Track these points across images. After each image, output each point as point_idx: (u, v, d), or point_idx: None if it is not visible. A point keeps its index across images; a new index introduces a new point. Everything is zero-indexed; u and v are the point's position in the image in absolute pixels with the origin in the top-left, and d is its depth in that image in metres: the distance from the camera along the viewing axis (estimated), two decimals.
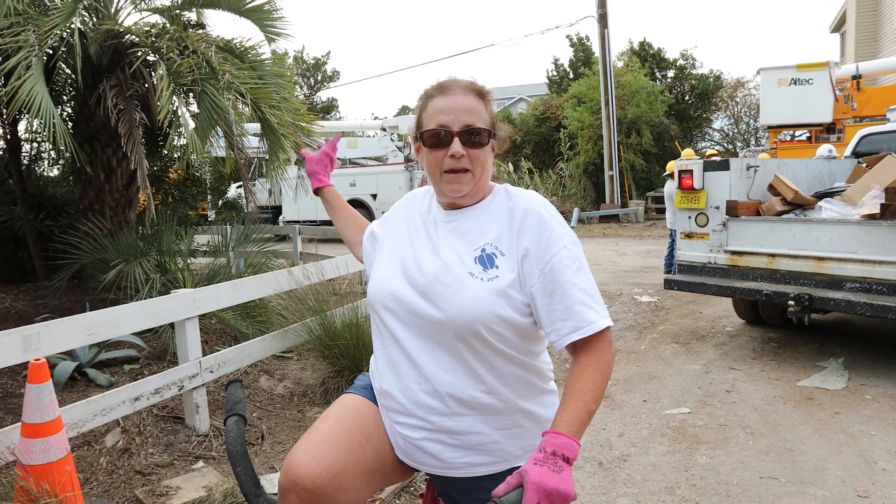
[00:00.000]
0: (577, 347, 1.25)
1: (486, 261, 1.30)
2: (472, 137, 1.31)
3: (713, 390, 4.38)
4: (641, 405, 4.16)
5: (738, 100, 23.58)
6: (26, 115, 5.38)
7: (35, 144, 7.78)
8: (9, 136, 6.82)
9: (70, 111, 6.68)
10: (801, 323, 4.74)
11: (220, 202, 13.69)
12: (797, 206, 5.21)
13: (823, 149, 8.23)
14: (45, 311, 5.40)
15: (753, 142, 23.39)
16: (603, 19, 17.81)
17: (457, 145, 1.29)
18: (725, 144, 24.50)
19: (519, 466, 1.16)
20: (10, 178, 7.21)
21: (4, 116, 6.57)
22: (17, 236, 6.74)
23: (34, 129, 6.70)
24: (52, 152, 8.05)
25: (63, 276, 5.58)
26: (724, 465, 3.24)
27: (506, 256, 1.30)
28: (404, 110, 38.21)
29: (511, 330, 1.29)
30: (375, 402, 1.44)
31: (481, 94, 1.35)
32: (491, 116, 1.36)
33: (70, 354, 4.22)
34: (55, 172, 8.82)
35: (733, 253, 5.15)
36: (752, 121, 23.48)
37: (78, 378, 4.15)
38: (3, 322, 5.20)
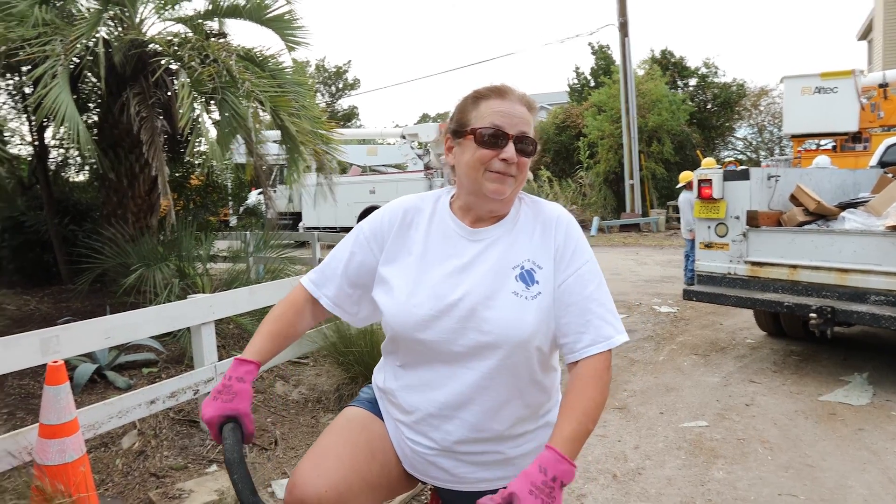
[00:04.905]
0: (579, 363, 1.24)
1: (528, 277, 1.29)
2: (525, 146, 1.29)
3: (732, 403, 4.30)
4: (658, 417, 4.10)
5: (762, 108, 23.28)
6: (52, 123, 5.50)
7: (62, 151, 7.95)
8: (37, 143, 6.98)
9: (96, 118, 6.82)
10: (824, 336, 4.64)
11: (241, 208, 13.85)
12: (820, 216, 5.11)
13: (821, 160, 8.14)
14: (68, 313, 5.49)
15: (777, 151, 23.06)
16: (623, 28, 17.73)
17: (510, 150, 1.26)
18: (749, 153, 24.17)
19: None
20: (37, 183, 7.36)
21: (33, 123, 6.73)
22: (42, 240, 6.87)
23: (60, 135, 6.85)
24: (79, 158, 8.23)
25: (85, 279, 5.67)
26: (741, 481, 3.17)
27: (544, 270, 1.29)
28: (424, 118, 38.39)
29: (550, 346, 1.30)
30: (380, 415, 1.42)
31: (531, 107, 1.34)
32: (536, 132, 1.35)
33: (90, 357, 4.27)
34: (82, 178, 9.00)
35: (754, 264, 5.06)
36: (776, 130, 23.15)
37: (97, 380, 4.21)
38: (28, 324, 5.30)
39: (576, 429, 1.14)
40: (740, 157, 23.46)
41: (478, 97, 1.32)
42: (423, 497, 3.02)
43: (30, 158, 7.79)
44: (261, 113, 6.19)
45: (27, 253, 6.96)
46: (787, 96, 13.00)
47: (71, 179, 8.76)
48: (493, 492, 1.22)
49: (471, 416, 1.28)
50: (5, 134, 7.23)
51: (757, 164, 20.76)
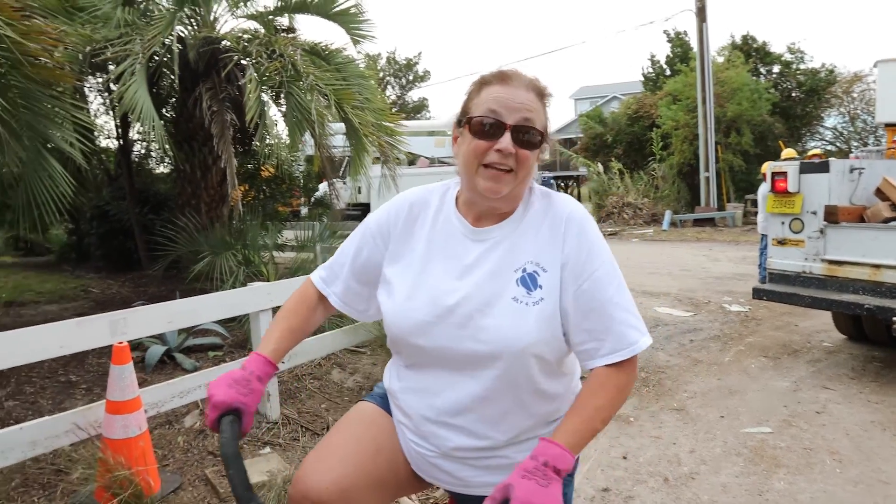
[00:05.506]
0: (601, 368, 1.18)
1: (530, 282, 1.19)
2: (526, 136, 1.16)
3: (801, 410, 4.05)
4: (718, 421, 3.92)
5: (855, 96, 21.74)
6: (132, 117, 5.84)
7: (144, 144, 8.45)
8: (121, 137, 7.45)
9: (173, 114, 7.19)
10: None
11: (312, 199, 14.27)
12: None
13: None
14: (145, 297, 5.85)
15: (872, 141, 21.46)
16: (701, 13, 16.95)
17: (506, 140, 1.15)
18: (839, 144, 22.65)
19: None
20: (122, 174, 7.87)
21: (117, 119, 7.18)
22: (125, 228, 7.35)
23: (140, 130, 7.29)
24: (160, 151, 8.74)
25: (160, 265, 6.02)
26: (803, 493, 2.99)
27: (548, 273, 1.20)
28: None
29: (556, 355, 1.22)
30: (391, 412, 1.39)
31: (542, 94, 1.22)
32: (546, 121, 1.23)
33: (161, 339, 4.54)
34: (165, 170, 9.54)
35: (831, 262, 4.74)
36: (870, 118, 21.56)
37: (167, 361, 4.46)
38: (109, 306, 5.69)
39: (577, 425, 1.09)
40: (829, 147, 22.01)
41: (482, 83, 1.22)
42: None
43: (116, 152, 8.34)
44: (326, 106, 6.36)
45: (112, 240, 7.47)
46: (881, 81, 11.97)
47: (155, 171, 9.32)
48: None
49: (469, 424, 1.23)
50: (94, 130, 7.77)
51: (847, 155, 19.40)
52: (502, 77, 1.21)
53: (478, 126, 1.17)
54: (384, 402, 1.40)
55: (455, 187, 1.33)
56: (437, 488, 3.04)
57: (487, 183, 1.17)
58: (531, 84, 1.21)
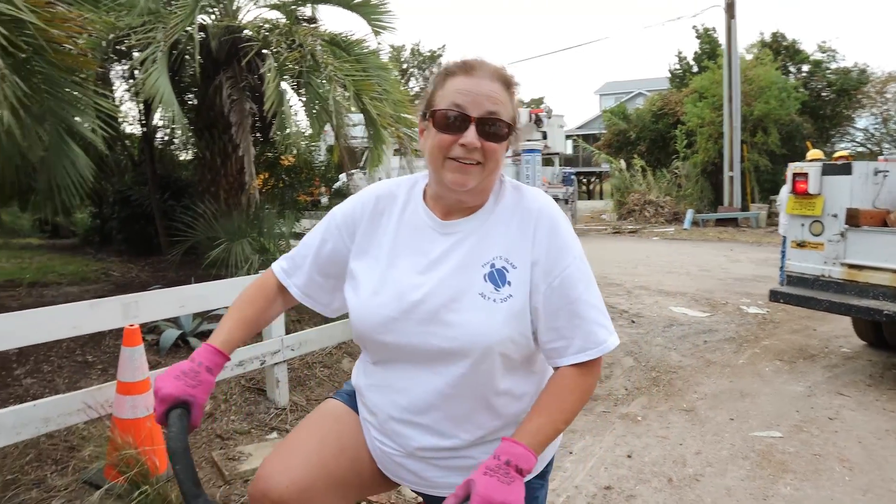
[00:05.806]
0: (567, 366, 1.17)
1: (498, 278, 1.16)
2: (492, 128, 1.13)
3: (813, 416, 3.99)
4: (727, 423, 3.88)
5: (889, 96, 21.19)
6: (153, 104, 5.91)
7: (168, 131, 8.57)
8: (144, 124, 7.55)
9: (195, 101, 7.27)
10: None
11: (332, 189, 14.34)
12: None
13: None
14: (163, 282, 5.94)
15: None
16: (730, 9, 16.64)
17: (471, 134, 1.11)
18: (870, 146, 22.12)
19: None
20: (145, 160, 7.99)
21: (140, 106, 7.29)
22: (146, 213, 7.47)
23: (162, 117, 7.38)
24: (183, 138, 8.85)
25: (178, 251, 6.10)
26: (809, 499, 2.95)
27: (518, 269, 1.16)
28: (518, 104, 37.91)
29: (522, 353, 1.19)
30: (357, 409, 1.36)
31: (508, 83, 1.18)
32: (514, 111, 1.19)
33: (176, 323, 4.61)
34: (188, 156, 9.65)
35: (851, 267, 4.65)
36: None
37: (181, 345, 4.53)
38: (128, 289, 5.78)
39: (540, 425, 1.09)
40: (860, 149, 21.51)
41: (446, 74, 1.17)
42: None
43: (140, 138, 8.46)
44: (345, 96, 6.37)
45: (133, 225, 7.60)
46: None
47: (178, 158, 9.44)
48: None
49: (434, 423, 1.20)
50: (119, 117, 7.88)
51: (877, 157, 18.95)
52: (466, 67, 1.16)
53: (442, 120, 1.14)
54: (351, 400, 1.37)
55: (423, 180, 1.29)
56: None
57: (454, 175, 1.14)
58: (497, 73, 1.17)
